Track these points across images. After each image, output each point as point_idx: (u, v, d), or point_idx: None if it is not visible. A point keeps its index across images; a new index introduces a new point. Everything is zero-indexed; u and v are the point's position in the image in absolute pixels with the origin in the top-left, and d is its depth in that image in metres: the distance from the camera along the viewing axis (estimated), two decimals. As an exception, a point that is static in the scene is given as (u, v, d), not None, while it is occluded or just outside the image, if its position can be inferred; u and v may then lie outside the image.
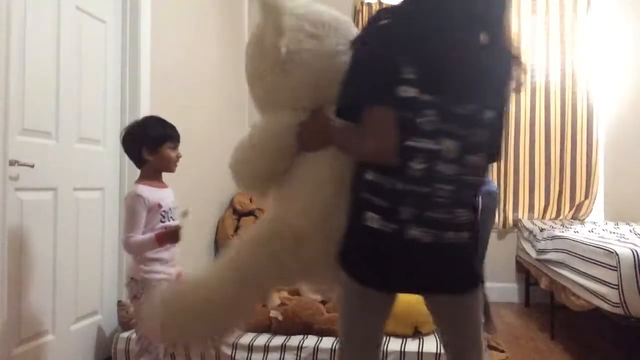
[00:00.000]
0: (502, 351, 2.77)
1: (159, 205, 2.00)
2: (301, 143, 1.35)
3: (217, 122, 3.72)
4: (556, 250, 2.94)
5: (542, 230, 3.40)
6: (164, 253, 1.96)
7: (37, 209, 2.15)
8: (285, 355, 2.27)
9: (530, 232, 3.59)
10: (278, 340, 2.33)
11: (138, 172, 2.09)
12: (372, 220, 1.18)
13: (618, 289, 2.20)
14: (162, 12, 2.93)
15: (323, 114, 1.32)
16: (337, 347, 1.85)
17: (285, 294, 2.63)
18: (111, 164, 2.65)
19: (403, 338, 2.28)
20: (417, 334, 2.33)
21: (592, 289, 2.39)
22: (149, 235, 1.93)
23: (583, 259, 2.54)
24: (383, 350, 2.18)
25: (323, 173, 1.31)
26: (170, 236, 1.93)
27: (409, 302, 2.22)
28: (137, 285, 1.94)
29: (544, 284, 3.18)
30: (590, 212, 4.13)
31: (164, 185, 2.09)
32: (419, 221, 1.16)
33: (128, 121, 2.43)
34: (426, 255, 1.19)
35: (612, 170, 4.11)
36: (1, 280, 1.91)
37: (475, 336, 1.34)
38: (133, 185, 2.05)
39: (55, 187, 2.26)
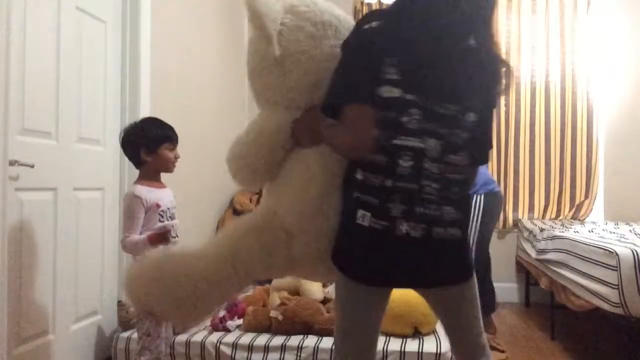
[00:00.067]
0: (502, 351, 2.78)
1: (157, 205, 2.02)
2: (295, 139, 1.37)
3: (217, 122, 3.72)
4: (556, 250, 2.93)
5: (542, 230, 3.40)
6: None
7: (37, 209, 2.15)
8: (285, 355, 2.27)
9: (530, 232, 3.60)
10: (278, 340, 2.33)
11: (138, 172, 2.10)
12: (364, 218, 1.21)
13: (618, 289, 2.20)
14: (162, 12, 2.93)
15: (317, 112, 1.33)
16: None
17: (285, 294, 2.63)
18: (111, 164, 2.65)
19: (403, 338, 2.28)
20: (417, 334, 2.33)
21: (592, 289, 2.39)
22: (144, 235, 1.96)
23: (583, 259, 2.54)
24: (383, 350, 2.18)
25: (314, 169, 1.33)
26: (161, 237, 1.94)
27: (409, 302, 2.22)
28: (137, 285, 1.94)
29: (544, 284, 3.18)
30: (590, 212, 4.13)
31: (162, 186, 2.11)
32: (408, 217, 1.20)
33: (128, 121, 2.43)
34: (416, 249, 1.22)
35: (612, 170, 4.11)
36: (1, 280, 1.91)
37: (470, 324, 1.36)
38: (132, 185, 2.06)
39: (55, 187, 2.26)
